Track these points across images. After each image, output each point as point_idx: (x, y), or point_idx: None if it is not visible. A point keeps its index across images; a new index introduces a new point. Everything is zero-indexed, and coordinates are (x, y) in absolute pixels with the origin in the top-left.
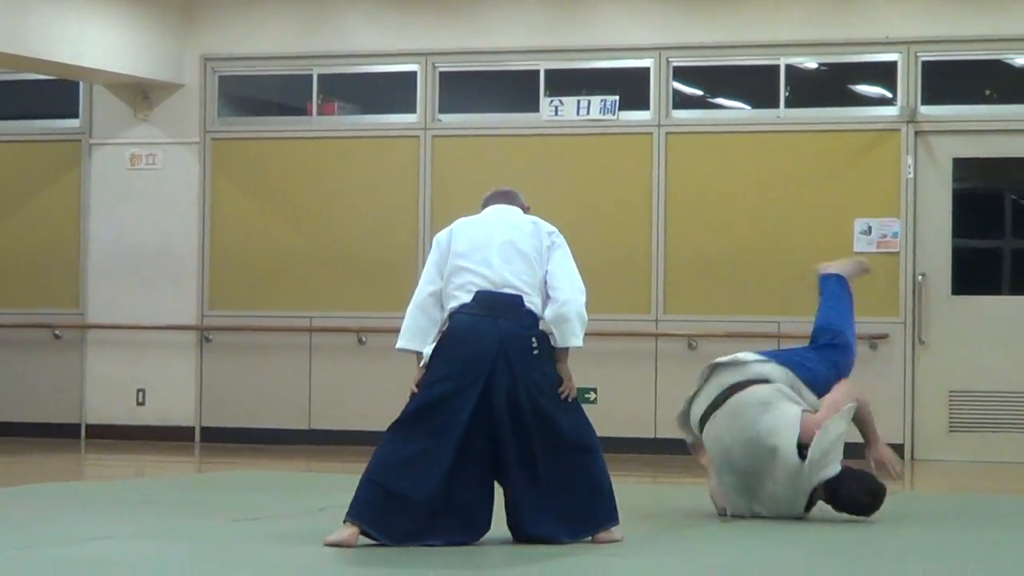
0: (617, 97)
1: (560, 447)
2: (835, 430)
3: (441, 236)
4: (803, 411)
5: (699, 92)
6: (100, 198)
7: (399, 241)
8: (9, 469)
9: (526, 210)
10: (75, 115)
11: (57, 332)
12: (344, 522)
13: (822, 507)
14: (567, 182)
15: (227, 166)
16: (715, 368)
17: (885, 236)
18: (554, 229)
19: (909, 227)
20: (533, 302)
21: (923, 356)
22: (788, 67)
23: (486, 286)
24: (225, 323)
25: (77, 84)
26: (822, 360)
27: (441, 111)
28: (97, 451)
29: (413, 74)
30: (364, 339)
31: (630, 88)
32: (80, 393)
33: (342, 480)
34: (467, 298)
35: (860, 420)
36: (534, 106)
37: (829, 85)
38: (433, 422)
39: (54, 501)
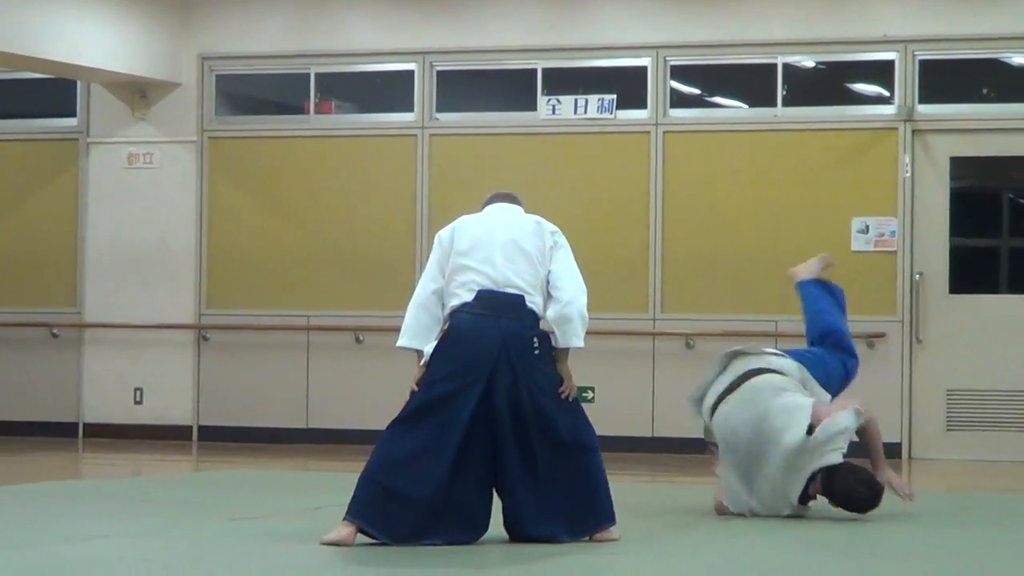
0: (615, 96)
1: (561, 447)
2: (844, 422)
3: (443, 234)
4: (815, 402)
5: (696, 91)
6: (97, 197)
7: (397, 240)
8: (7, 468)
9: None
10: (72, 114)
11: (55, 331)
12: (343, 521)
13: (820, 507)
14: (565, 181)
15: (224, 165)
16: (735, 356)
17: (882, 235)
18: (557, 229)
19: (906, 226)
20: (535, 302)
21: (920, 355)
22: (785, 66)
23: (488, 285)
24: (223, 322)
25: (74, 83)
26: (835, 360)
27: (439, 110)
28: (95, 450)
29: (411, 73)
30: (362, 338)
31: (628, 87)
32: (77, 392)
33: (340, 479)
34: (469, 297)
35: (868, 436)
36: (532, 105)
37: (826, 84)
38: (433, 421)
39: (51, 500)
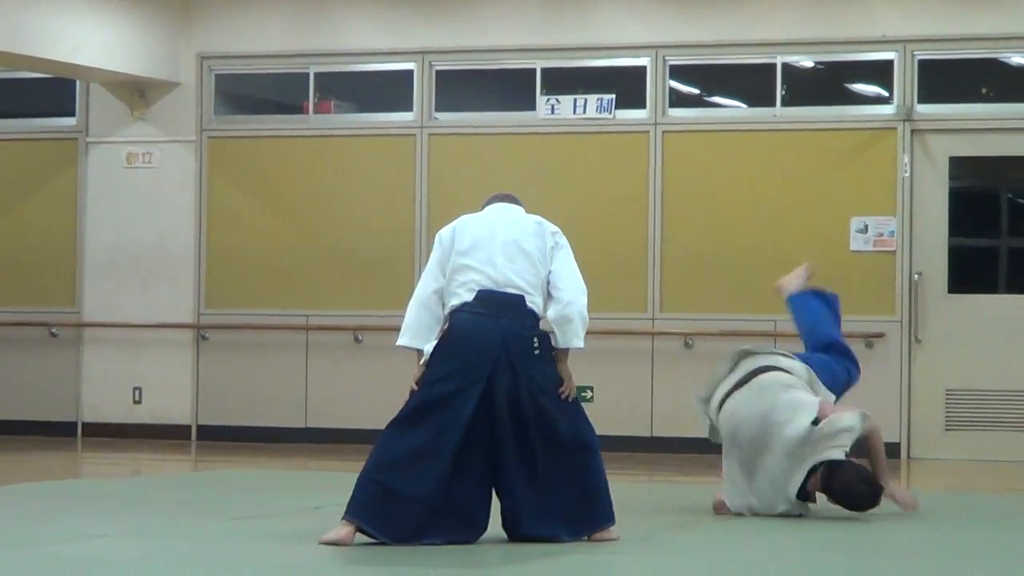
0: (614, 96)
1: (561, 447)
2: (849, 420)
3: (444, 233)
4: (821, 400)
5: (696, 91)
6: (96, 196)
7: (396, 240)
8: (6, 467)
9: None
10: (71, 113)
11: (53, 330)
12: (341, 520)
13: (818, 507)
14: (564, 181)
15: (224, 164)
16: (744, 355)
17: (881, 235)
18: (558, 229)
19: (905, 226)
20: (535, 302)
21: (919, 355)
22: (785, 66)
23: (489, 285)
24: (222, 321)
25: (74, 82)
26: (839, 366)
27: (438, 109)
28: (94, 449)
29: (410, 72)
30: (361, 337)
31: (627, 87)
32: (77, 391)
33: (339, 478)
34: (469, 297)
35: (870, 446)
36: (531, 105)
37: (826, 84)
38: (433, 420)
39: (50, 499)
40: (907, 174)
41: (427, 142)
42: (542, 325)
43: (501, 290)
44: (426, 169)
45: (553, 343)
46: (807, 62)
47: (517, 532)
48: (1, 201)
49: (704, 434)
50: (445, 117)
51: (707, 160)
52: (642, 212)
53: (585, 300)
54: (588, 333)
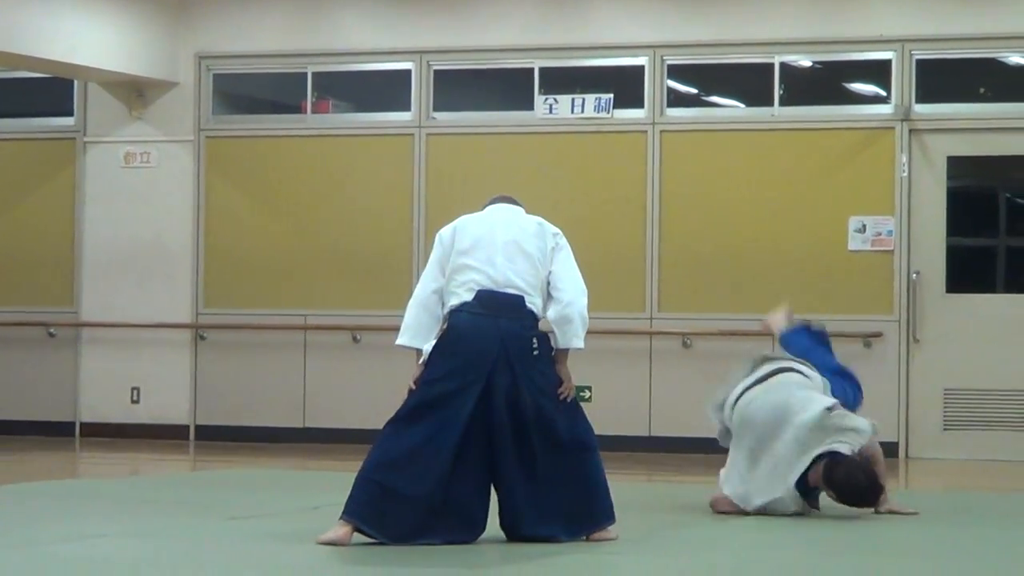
0: (612, 95)
1: (560, 447)
2: (860, 422)
3: (444, 233)
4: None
5: (694, 90)
6: (94, 196)
7: (394, 239)
8: (4, 467)
9: None
10: (70, 113)
11: (52, 330)
12: (339, 520)
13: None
14: (562, 180)
15: (222, 164)
16: (763, 361)
17: (879, 234)
18: (558, 231)
19: (903, 225)
20: (534, 303)
21: (917, 354)
22: (783, 65)
23: (488, 285)
24: (220, 321)
25: (71, 82)
26: (850, 387)
27: (436, 109)
28: (92, 449)
29: (408, 72)
30: (359, 337)
31: (625, 86)
32: (75, 391)
33: (337, 478)
34: (469, 296)
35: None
36: (529, 104)
37: (824, 83)
38: (432, 420)
39: (48, 499)
40: (905, 174)
41: (425, 142)
42: (541, 325)
43: (501, 290)
44: (424, 169)
45: (553, 343)
46: (805, 62)
47: (516, 532)
48: None
49: (702, 434)
50: (443, 117)
51: (705, 160)
52: (640, 212)
53: (585, 301)
54: (586, 333)
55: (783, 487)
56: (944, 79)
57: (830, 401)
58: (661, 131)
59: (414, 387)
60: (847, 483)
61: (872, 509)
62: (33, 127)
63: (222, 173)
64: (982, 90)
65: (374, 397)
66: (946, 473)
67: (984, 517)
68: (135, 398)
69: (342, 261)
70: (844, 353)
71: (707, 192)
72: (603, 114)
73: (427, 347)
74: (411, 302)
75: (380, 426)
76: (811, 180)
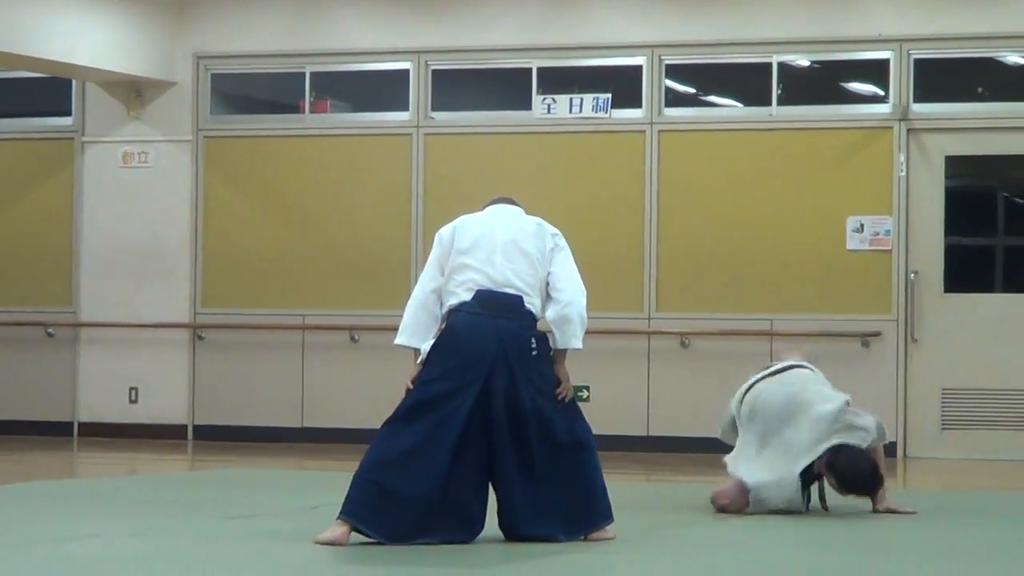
0: (610, 95)
1: (558, 447)
2: (870, 422)
3: (444, 232)
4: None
5: (692, 90)
6: (93, 196)
7: (392, 239)
8: (2, 467)
9: None
10: (68, 113)
11: (50, 330)
12: (336, 520)
13: (816, 505)
14: (560, 180)
15: (220, 164)
16: (777, 362)
17: (877, 234)
18: (557, 231)
19: (901, 225)
20: (533, 303)
21: (915, 354)
22: (781, 65)
23: (487, 285)
24: (218, 321)
25: (70, 82)
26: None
27: (434, 109)
28: (90, 449)
29: (406, 72)
30: (357, 337)
31: (623, 86)
32: (73, 391)
33: (335, 478)
34: (467, 296)
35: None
36: (527, 104)
37: (821, 83)
38: (430, 420)
39: (47, 499)
40: (903, 173)
41: (423, 142)
42: (540, 325)
43: (499, 290)
44: (422, 168)
45: (551, 344)
46: (803, 61)
47: (514, 532)
48: None
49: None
50: (441, 116)
51: (703, 159)
52: (638, 211)
53: (584, 301)
54: (585, 333)
55: (788, 470)
56: (942, 79)
57: (846, 397)
58: (659, 131)
59: (412, 387)
60: (849, 469)
61: (871, 498)
62: (31, 127)
63: (220, 173)
64: (980, 90)
65: (372, 397)
66: (944, 472)
67: (982, 516)
68: (133, 398)
69: (340, 261)
70: (842, 353)
71: (705, 192)
72: (601, 114)
73: (425, 347)
74: (410, 302)
75: (378, 426)
76: (809, 180)
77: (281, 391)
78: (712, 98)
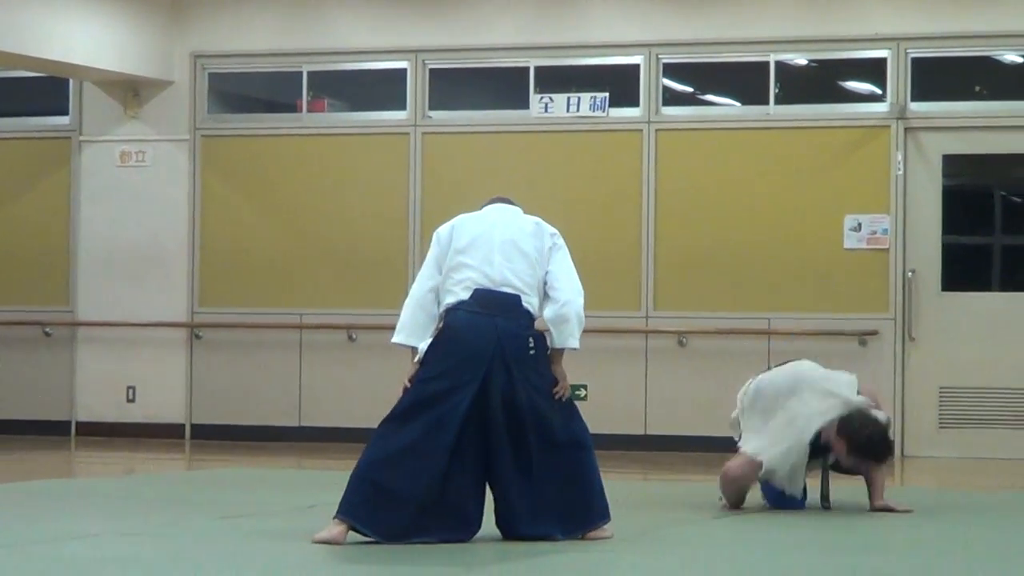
0: (607, 94)
1: (555, 445)
2: (880, 414)
3: (442, 231)
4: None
5: (689, 89)
6: (90, 195)
7: (389, 238)
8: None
9: None
10: (65, 112)
11: (47, 330)
12: (333, 519)
13: (813, 502)
14: (557, 179)
15: (217, 163)
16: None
17: (875, 232)
18: (556, 231)
19: (899, 223)
20: (531, 302)
21: (913, 352)
22: (778, 64)
23: (485, 284)
24: (215, 320)
25: (67, 81)
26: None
27: (431, 108)
28: (87, 448)
29: (403, 71)
30: (354, 336)
31: (620, 85)
32: (70, 390)
33: (332, 477)
34: (465, 295)
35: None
36: (524, 103)
37: (819, 82)
38: (427, 418)
39: (44, 499)
40: (900, 172)
41: (421, 141)
42: (537, 325)
43: (497, 289)
44: (420, 168)
45: (549, 343)
46: (800, 60)
47: (511, 531)
48: None
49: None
50: (439, 116)
51: (700, 158)
52: (635, 210)
53: (582, 301)
54: (582, 332)
55: (797, 438)
56: (939, 77)
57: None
58: (656, 130)
59: (409, 386)
60: (862, 430)
61: (877, 468)
62: (29, 126)
63: (218, 172)
64: (977, 88)
65: (370, 396)
66: (941, 471)
67: (979, 515)
68: (131, 397)
69: (338, 260)
70: (840, 351)
71: (703, 190)
72: (599, 113)
73: (423, 346)
74: (407, 300)
75: (376, 425)
76: (807, 178)
77: (279, 390)
78: (709, 97)
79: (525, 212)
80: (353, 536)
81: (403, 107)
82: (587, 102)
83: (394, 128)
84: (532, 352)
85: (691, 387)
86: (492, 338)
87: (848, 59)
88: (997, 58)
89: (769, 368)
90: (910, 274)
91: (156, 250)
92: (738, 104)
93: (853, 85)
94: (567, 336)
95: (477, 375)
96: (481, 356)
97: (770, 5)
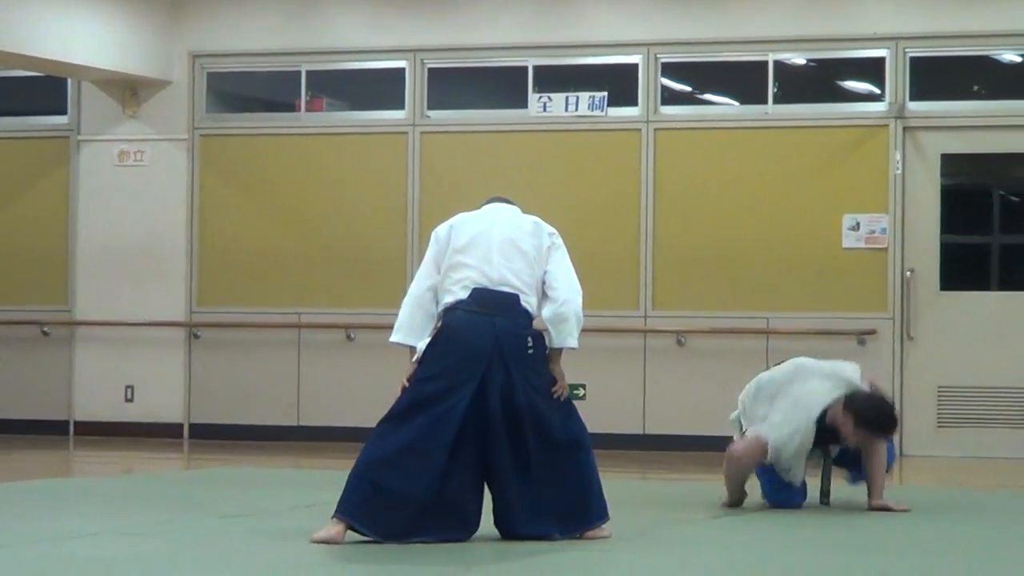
0: (606, 93)
1: (554, 445)
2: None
3: (440, 231)
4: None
5: (688, 88)
6: (88, 195)
7: (388, 238)
8: None
9: None
10: (63, 112)
11: (45, 329)
12: (332, 519)
13: (812, 501)
14: (556, 178)
15: (215, 163)
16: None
17: (873, 232)
18: (554, 230)
19: (897, 223)
20: (529, 301)
21: (911, 352)
22: (776, 63)
23: (484, 283)
24: (214, 319)
25: (65, 81)
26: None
27: (430, 107)
28: (85, 448)
29: (402, 70)
30: (353, 335)
31: (619, 84)
32: (68, 390)
33: (331, 476)
34: (464, 294)
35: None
36: (523, 102)
37: (817, 81)
38: (425, 418)
39: (42, 498)
40: (899, 171)
41: (419, 140)
42: (535, 324)
43: (496, 288)
44: (418, 167)
45: (547, 342)
46: (799, 59)
47: (510, 531)
48: None
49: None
50: (437, 115)
51: (699, 157)
52: (634, 210)
53: (580, 300)
54: (580, 331)
55: (804, 416)
56: (938, 77)
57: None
58: (655, 129)
59: (407, 385)
60: (868, 402)
61: (887, 437)
62: (27, 126)
63: (216, 172)
64: (976, 88)
65: (368, 395)
66: (939, 470)
67: (977, 514)
68: (129, 396)
69: (336, 259)
70: (838, 351)
71: (701, 190)
72: (597, 112)
73: (421, 345)
74: (406, 299)
75: (374, 424)
76: (805, 178)
77: (277, 390)
78: (708, 96)
79: (523, 211)
80: (351, 535)
81: (401, 106)
82: (585, 101)
83: (392, 127)
84: (531, 351)
85: (689, 386)
86: (490, 337)
87: (847, 58)
88: (995, 57)
89: (768, 368)
90: (908, 273)
91: (154, 249)
92: (737, 103)
93: (852, 84)
94: (566, 335)
95: (475, 375)
96: (479, 355)
97: (768, 4)
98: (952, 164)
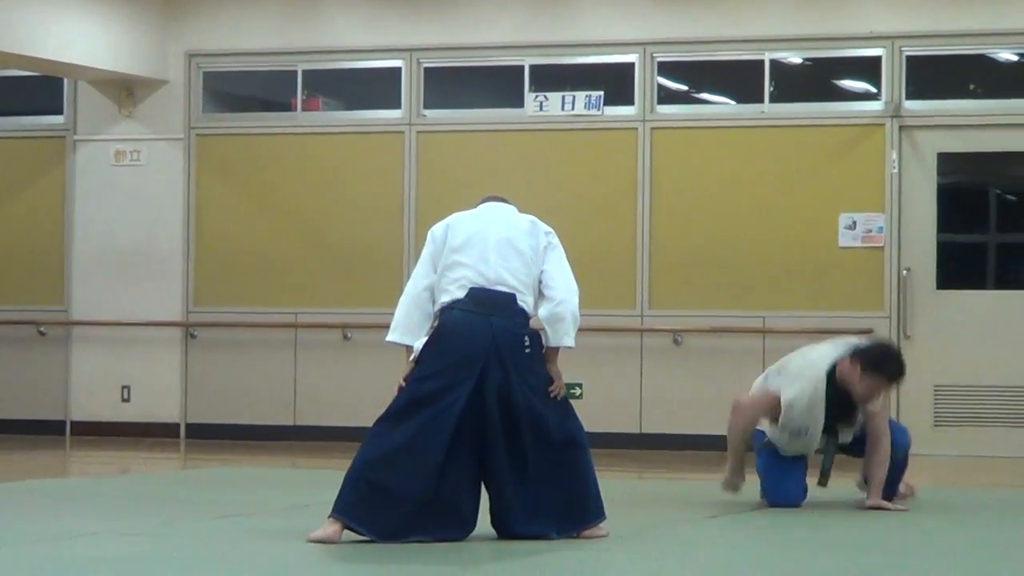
0: (602, 92)
1: (551, 444)
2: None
3: (436, 230)
4: None
5: (684, 87)
6: (84, 195)
7: (384, 237)
8: None
9: None
10: (59, 111)
11: (42, 329)
12: (328, 518)
13: (812, 500)
14: (552, 178)
15: (212, 162)
16: None
17: (870, 231)
18: (551, 229)
19: (894, 222)
20: (525, 301)
21: (908, 351)
22: (773, 62)
23: (480, 282)
24: (210, 319)
25: (61, 80)
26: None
27: (426, 107)
28: (82, 448)
29: (398, 70)
30: (349, 335)
31: (615, 83)
32: (65, 390)
33: (327, 476)
34: (460, 294)
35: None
36: (519, 102)
37: (813, 80)
38: (422, 418)
39: (39, 498)
40: (895, 170)
41: (415, 139)
42: (532, 323)
43: (492, 288)
44: (415, 166)
45: (544, 342)
46: (795, 58)
47: (507, 530)
48: None
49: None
50: (433, 114)
51: (695, 157)
52: (631, 209)
53: (577, 300)
54: (577, 330)
55: (814, 372)
56: (934, 75)
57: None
58: (651, 128)
59: (404, 384)
60: (877, 347)
61: (894, 383)
62: (23, 125)
63: (212, 171)
64: (972, 86)
65: (365, 395)
66: (936, 469)
67: (975, 513)
68: (126, 396)
69: (333, 259)
70: None
71: (697, 189)
72: (593, 111)
73: (418, 344)
74: (402, 299)
75: (371, 424)
76: (801, 177)
77: (274, 389)
78: (704, 95)
79: (520, 211)
80: (348, 535)
81: (398, 106)
82: (582, 101)
83: (389, 127)
84: (527, 351)
85: (686, 385)
86: (487, 337)
87: (843, 57)
88: (992, 56)
89: (765, 369)
90: (905, 272)
91: (151, 249)
92: (733, 102)
93: (848, 83)
94: (562, 335)
95: (472, 374)
96: (476, 355)
97: (765, 3)
98: (948, 163)
